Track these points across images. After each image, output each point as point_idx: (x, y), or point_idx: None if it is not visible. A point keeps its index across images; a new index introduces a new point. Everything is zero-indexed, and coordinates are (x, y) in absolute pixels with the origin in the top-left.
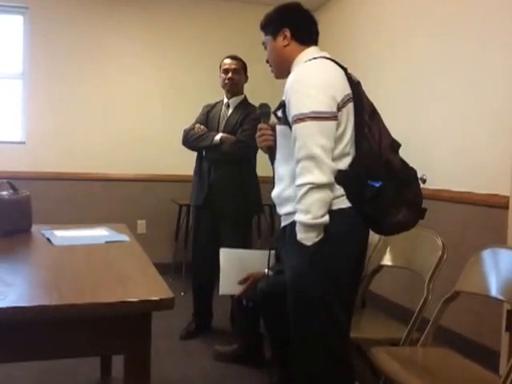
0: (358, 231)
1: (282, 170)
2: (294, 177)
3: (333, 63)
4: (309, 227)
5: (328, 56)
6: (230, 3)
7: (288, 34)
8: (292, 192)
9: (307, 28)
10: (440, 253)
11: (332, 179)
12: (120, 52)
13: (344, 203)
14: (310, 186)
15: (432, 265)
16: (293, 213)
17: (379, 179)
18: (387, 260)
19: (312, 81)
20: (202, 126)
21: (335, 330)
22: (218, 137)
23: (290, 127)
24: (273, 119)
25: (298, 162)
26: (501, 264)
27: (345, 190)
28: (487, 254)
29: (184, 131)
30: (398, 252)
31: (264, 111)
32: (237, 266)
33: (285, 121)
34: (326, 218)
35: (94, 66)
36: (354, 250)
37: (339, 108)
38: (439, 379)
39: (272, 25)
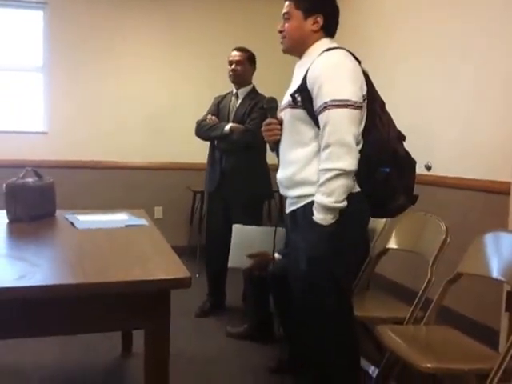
0: (365, 215)
1: (294, 153)
2: (310, 159)
3: (351, 55)
4: (328, 209)
5: (343, 47)
6: None
7: (321, 21)
8: (309, 175)
9: (336, 22)
10: (443, 236)
11: (357, 167)
12: (137, 43)
13: (355, 188)
14: (339, 171)
15: (436, 248)
16: (307, 195)
17: (387, 166)
18: (393, 243)
19: (345, 70)
20: (214, 117)
21: (346, 306)
22: (227, 127)
23: (308, 111)
24: (279, 114)
25: (327, 146)
26: (502, 247)
27: (355, 174)
28: (489, 238)
29: (197, 122)
30: (403, 236)
31: (271, 106)
32: (247, 241)
33: (303, 105)
34: (345, 203)
35: (111, 58)
36: (361, 233)
37: (364, 99)
38: (441, 356)
39: (308, 4)
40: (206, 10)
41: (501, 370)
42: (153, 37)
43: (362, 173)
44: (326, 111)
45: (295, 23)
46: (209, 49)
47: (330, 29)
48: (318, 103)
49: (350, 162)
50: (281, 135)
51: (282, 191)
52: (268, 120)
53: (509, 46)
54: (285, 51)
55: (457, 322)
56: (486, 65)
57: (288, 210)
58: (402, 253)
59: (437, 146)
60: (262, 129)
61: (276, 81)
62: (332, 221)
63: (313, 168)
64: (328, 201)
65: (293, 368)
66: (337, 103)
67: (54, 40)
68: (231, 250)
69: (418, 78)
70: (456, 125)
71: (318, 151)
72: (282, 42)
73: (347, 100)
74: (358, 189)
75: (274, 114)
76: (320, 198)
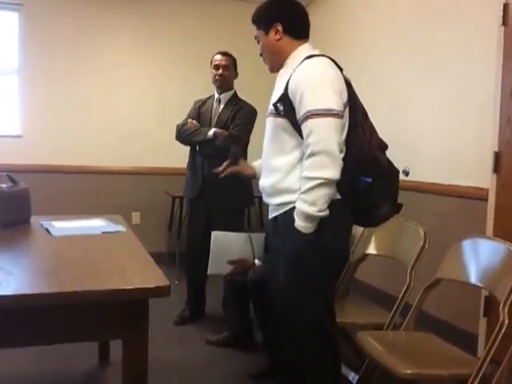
0: (346, 222)
1: (276, 161)
2: (292, 168)
3: (333, 63)
4: (310, 218)
5: (325, 54)
6: (222, 0)
7: (280, 28)
8: (291, 183)
9: (299, 22)
10: (422, 242)
11: (339, 177)
12: (114, 47)
13: (335, 195)
14: (322, 181)
15: (414, 253)
16: (288, 203)
17: (368, 175)
18: (372, 249)
19: (326, 79)
20: (195, 121)
21: (326, 312)
22: (211, 132)
23: (290, 120)
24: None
25: (312, 154)
26: (480, 253)
27: (337, 183)
28: (467, 244)
29: (177, 126)
30: (383, 241)
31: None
32: (226, 247)
33: (285, 114)
34: (327, 212)
35: (88, 61)
36: (342, 240)
37: (344, 107)
38: (421, 361)
39: (264, 20)
40: (185, 12)
41: (479, 375)
42: (132, 39)
43: (344, 183)
44: (310, 120)
45: (262, 42)
46: (189, 53)
47: (294, 31)
48: (300, 112)
49: (334, 171)
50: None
51: (265, 198)
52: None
53: (488, 54)
54: (271, 71)
55: (435, 327)
56: (465, 73)
57: (270, 216)
58: (381, 258)
59: (415, 151)
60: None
61: (256, 85)
62: (312, 229)
63: (295, 176)
64: (311, 209)
65: (272, 374)
66: (320, 112)
67: (29, 42)
68: (210, 257)
69: (397, 84)
70: (435, 131)
71: (300, 160)
72: (266, 63)
73: (330, 109)
74: (338, 196)
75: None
76: (302, 206)
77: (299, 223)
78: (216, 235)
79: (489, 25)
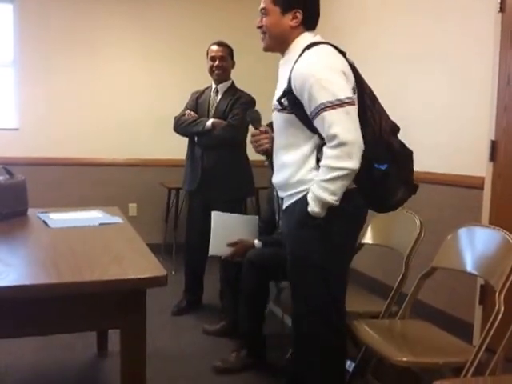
0: (361, 211)
1: (286, 156)
2: (302, 163)
3: (334, 49)
4: (326, 205)
5: (325, 41)
6: None
7: (300, 17)
8: (303, 175)
9: (317, 15)
10: (418, 231)
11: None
12: (110, 38)
13: (350, 185)
14: (348, 171)
15: (410, 243)
16: (298, 192)
17: (382, 162)
18: (368, 238)
19: (330, 67)
20: (193, 113)
21: (333, 299)
22: (209, 122)
23: (297, 114)
24: (263, 124)
25: (339, 145)
26: (476, 241)
27: None
28: (463, 232)
29: (175, 118)
30: (379, 231)
31: (254, 118)
32: (227, 229)
33: (291, 109)
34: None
35: (84, 52)
36: (356, 230)
37: (354, 92)
38: (416, 349)
39: None
40: (182, 3)
41: (475, 363)
42: (127, 31)
43: (359, 171)
44: (326, 113)
45: (273, 19)
46: (185, 44)
47: (310, 23)
48: (312, 107)
49: (357, 162)
50: (271, 142)
51: (280, 194)
52: (253, 132)
53: (485, 41)
54: (266, 49)
55: (431, 316)
56: (462, 61)
57: (283, 206)
58: (377, 248)
59: (411, 140)
60: (250, 140)
61: (253, 76)
62: (323, 215)
63: (306, 169)
64: (331, 198)
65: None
66: (335, 103)
67: (24, 34)
68: (211, 238)
69: (391, 70)
70: (431, 119)
71: (311, 153)
72: (262, 39)
73: (343, 98)
74: (353, 185)
75: (258, 125)
76: (323, 194)
77: (315, 209)
78: (216, 215)
79: (486, 11)
